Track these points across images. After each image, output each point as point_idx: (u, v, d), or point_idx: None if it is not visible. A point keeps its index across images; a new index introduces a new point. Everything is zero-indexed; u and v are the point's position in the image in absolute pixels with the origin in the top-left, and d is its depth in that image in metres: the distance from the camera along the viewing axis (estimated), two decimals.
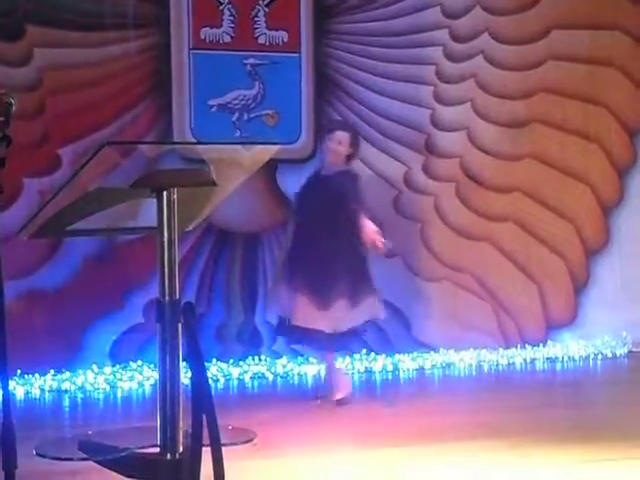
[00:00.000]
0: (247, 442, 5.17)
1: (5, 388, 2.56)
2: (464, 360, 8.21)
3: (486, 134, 8.47)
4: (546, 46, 8.52)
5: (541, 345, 8.47)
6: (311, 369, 7.83)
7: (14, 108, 2.70)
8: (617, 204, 8.68)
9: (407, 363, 8.08)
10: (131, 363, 7.58)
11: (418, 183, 8.38)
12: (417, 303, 8.31)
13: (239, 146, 4.25)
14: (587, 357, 8.41)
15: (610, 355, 8.43)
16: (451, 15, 8.36)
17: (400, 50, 8.27)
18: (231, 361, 7.79)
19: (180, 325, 3.36)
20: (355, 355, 8.04)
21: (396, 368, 8.02)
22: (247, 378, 7.68)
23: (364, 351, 8.09)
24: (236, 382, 7.61)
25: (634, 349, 8.48)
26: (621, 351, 8.48)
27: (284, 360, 7.91)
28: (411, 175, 8.35)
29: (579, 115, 8.56)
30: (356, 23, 8.22)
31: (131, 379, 7.43)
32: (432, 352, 8.23)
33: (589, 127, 8.57)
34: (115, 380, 7.42)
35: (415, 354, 8.18)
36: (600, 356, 8.41)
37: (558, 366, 8.25)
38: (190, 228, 3.86)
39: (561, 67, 8.55)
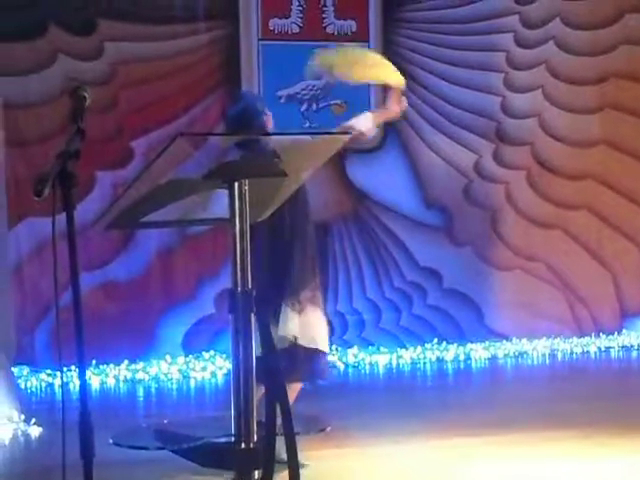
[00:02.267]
0: (321, 431, 5.17)
1: (82, 378, 2.60)
2: (537, 349, 8.14)
3: (557, 121, 8.38)
4: (619, 30, 8.40)
5: (616, 333, 8.36)
6: (382, 358, 7.82)
7: (88, 101, 2.73)
8: None
9: (479, 352, 8.03)
10: (203, 353, 7.64)
11: (489, 171, 8.32)
12: (489, 292, 8.26)
13: (308, 136, 4.24)
14: None
15: None
16: (521, 1, 8.28)
17: (470, 37, 8.22)
18: None
19: (252, 315, 3.38)
20: (426, 344, 8.02)
21: (468, 357, 7.98)
22: None
23: (435, 340, 8.07)
24: None
25: None
26: None
27: (355, 350, 7.91)
28: (482, 163, 8.30)
29: None
30: (425, 11, 8.18)
31: (204, 369, 7.49)
32: (505, 341, 8.18)
33: None
34: (188, 370, 7.49)
35: (487, 343, 8.13)
36: None
37: (634, 354, 8.14)
38: (261, 219, 3.87)
39: (634, 52, 8.42)
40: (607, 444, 5.25)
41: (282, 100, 7.86)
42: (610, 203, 8.46)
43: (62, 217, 2.51)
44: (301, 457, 3.31)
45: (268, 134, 4.91)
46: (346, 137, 4.06)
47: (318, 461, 4.81)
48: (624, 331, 8.40)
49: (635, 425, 5.62)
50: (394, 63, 8.03)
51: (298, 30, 7.96)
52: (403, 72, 8.09)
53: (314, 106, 7.94)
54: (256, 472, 3.32)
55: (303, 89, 7.91)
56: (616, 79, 8.42)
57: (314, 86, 7.91)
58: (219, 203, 3.53)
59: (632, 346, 8.27)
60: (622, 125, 8.44)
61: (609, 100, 8.43)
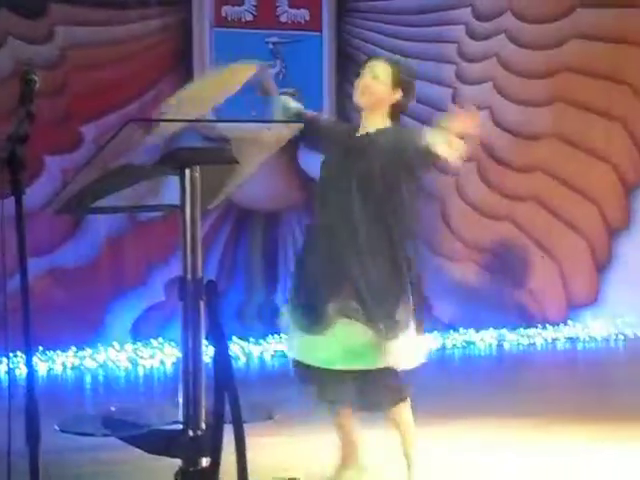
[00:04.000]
0: (268, 419, 5.17)
1: (29, 365, 2.58)
2: (484, 339, 8.21)
3: (508, 113, 8.43)
4: (570, 24, 8.47)
5: (562, 325, 8.45)
6: None
7: (37, 85, 2.70)
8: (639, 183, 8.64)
9: (429, 342, 8.06)
10: (152, 341, 7.61)
11: (439, 162, 8.33)
12: (437, 283, 8.30)
13: (261, 124, 4.24)
14: (608, 337, 8.38)
15: (632, 335, 8.40)
16: None
17: (422, 28, 8.25)
18: (252, 339, 7.82)
19: (202, 303, 3.37)
20: None
21: None
22: (268, 356, 7.70)
23: None
24: (257, 360, 7.64)
25: None
26: None
27: None
28: None
29: (602, 94, 8.50)
30: (378, 1, 8.19)
31: (152, 357, 7.47)
32: (452, 331, 8.23)
33: (612, 106, 8.52)
34: (137, 357, 7.46)
35: (435, 333, 8.18)
36: (622, 336, 8.38)
37: (579, 346, 8.23)
38: (212, 206, 3.87)
39: (585, 46, 8.49)
40: (554, 432, 5.31)
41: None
42: (558, 195, 8.54)
43: (9, 201, 2.49)
44: (249, 445, 3.31)
45: (219, 121, 4.87)
46: (296, 126, 4.12)
47: (266, 449, 4.82)
48: (570, 322, 8.49)
49: (579, 415, 5.69)
50: (347, 53, 8.13)
51: (252, 18, 7.93)
52: (356, 62, 8.18)
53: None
54: (203, 460, 3.33)
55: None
56: (566, 73, 8.49)
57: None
58: (171, 190, 3.52)
59: (577, 338, 8.37)
60: (572, 119, 8.51)
61: (559, 94, 8.50)
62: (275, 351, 7.74)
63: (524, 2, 8.43)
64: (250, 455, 3.29)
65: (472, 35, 8.35)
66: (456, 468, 4.75)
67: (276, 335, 7.91)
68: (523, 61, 8.43)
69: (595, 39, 8.47)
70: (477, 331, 8.25)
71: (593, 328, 8.44)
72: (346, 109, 8.14)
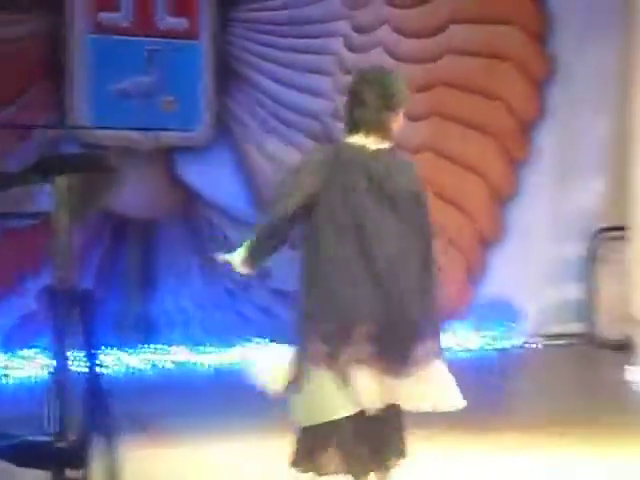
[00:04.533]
0: (142, 430, 5.13)
1: None
2: None
3: None
4: (445, 40, 8.62)
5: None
6: (209, 357, 7.81)
7: None
8: (512, 196, 8.82)
9: None
10: (25, 350, 7.45)
11: None
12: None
13: (137, 132, 4.20)
14: (481, 347, 8.53)
15: (503, 345, 8.56)
16: (352, 6, 8.40)
17: (301, 40, 8.29)
18: (128, 349, 7.72)
19: (75, 312, 3.32)
20: (251, 343, 8.04)
21: None
22: (143, 366, 7.61)
23: (259, 339, 8.10)
24: (132, 370, 7.55)
25: (525, 340, 8.62)
26: (513, 342, 8.61)
27: (181, 348, 7.86)
28: None
29: (476, 109, 8.66)
30: (258, 12, 8.20)
31: (24, 367, 7.31)
32: None
33: (486, 121, 8.69)
34: (8, 368, 7.29)
35: None
36: (493, 346, 8.54)
37: (451, 356, 8.35)
38: (87, 214, 3.81)
39: (459, 61, 8.64)
40: (435, 441, 5.37)
41: (112, 95, 7.73)
42: (434, 208, 8.61)
43: None
44: (120, 456, 3.27)
45: (94, 128, 4.81)
46: (173, 134, 4.08)
47: (139, 461, 4.76)
48: (443, 332, 8.58)
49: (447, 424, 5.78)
50: (227, 63, 8.12)
51: (129, 25, 7.85)
52: (235, 72, 8.19)
53: (144, 102, 7.85)
54: (73, 471, 3.27)
55: (132, 84, 7.81)
56: (442, 87, 8.64)
57: (145, 82, 7.83)
58: (45, 197, 3.46)
59: (449, 348, 8.44)
60: (447, 132, 8.66)
61: (435, 108, 8.63)
62: (150, 361, 7.67)
63: (401, 16, 8.54)
64: (122, 467, 3.25)
65: (351, 47, 8.42)
66: None
67: (152, 345, 7.84)
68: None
69: (469, 54, 8.63)
70: None
71: (465, 338, 8.58)
72: (224, 119, 8.15)
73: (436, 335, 3.99)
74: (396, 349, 3.82)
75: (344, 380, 3.80)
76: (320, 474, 3.90)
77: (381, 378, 3.80)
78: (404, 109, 4.09)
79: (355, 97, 4.08)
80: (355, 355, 3.79)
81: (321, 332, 3.84)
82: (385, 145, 4.01)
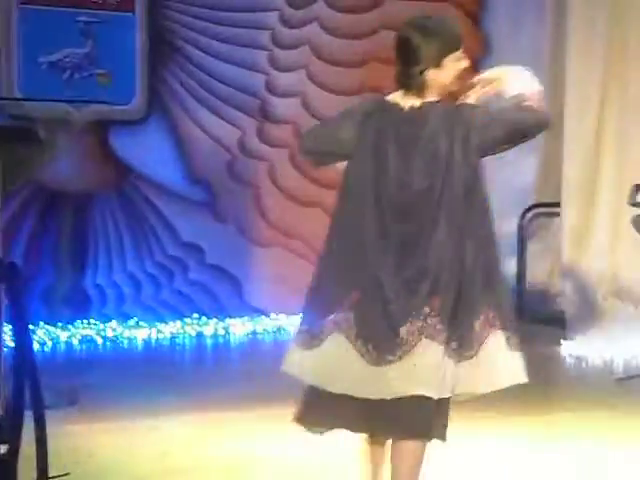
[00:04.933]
0: (71, 405, 5.10)
1: None
2: (295, 325, 8.27)
3: (320, 101, 8.53)
4: (380, 15, 8.62)
5: None
6: (141, 332, 7.78)
7: None
8: None
9: (239, 327, 8.11)
10: None
11: (252, 148, 8.39)
12: (250, 268, 8.35)
13: (69, 105, 4.15)
14: None
15: None
16: None
17: (236, 13, 8.24)
18: (59, 324, 7.66)
19: (2, 286, 3.29)
20: (185, 319, 8.02)
21: (227, 332, 8.04)
22: (75, 341, 7.56)
23: (195, 315, 8.08)
24: (64, 345, 7.49)
25: None
26: None
27: (114, 324, 7.82)
28: (245, 140, 8.36)
29: None
30: None
31: None
32: (264, 316, 8.29)
33: None
34: None
35: (247, 318, 8.22)
36: None
37: None
38: (14, 187, 3.77)
39: (394, 37, 8.63)
40: None
41: (43, 67, 7.64)
42: None
43: None
44: (50, 432, 3.26)
45: (24, 100, 4.73)
46: (106, 107, 4.02)
47: (68, 437, 4.74)
48: None
49: None
50: (161, 36, 8.05)
51: None
52: (170, 45, 8.12)
53: (77, 75, 7.76)
54: (2, 447, 3.25)
55: (66, 56, 7.71)
56: (376, 63, 8.65)
57: (77, 54, 7.73)
58: None
59: None
60: None
61: (370, 83, 8.64)
62: (82, 336, 7.62)
63: None
64: (52, 442, 3.24)
65: (285, 22, 8.40)
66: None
67: (84, 320, 7.79)
68: (335, 50, 8.54)
69: None
70: (288, 316, 8.33)
71: None
72: (158, 93, 8.09)
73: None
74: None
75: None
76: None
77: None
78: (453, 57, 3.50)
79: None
80: None
81: None
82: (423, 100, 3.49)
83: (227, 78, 8.24)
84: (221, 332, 8.03)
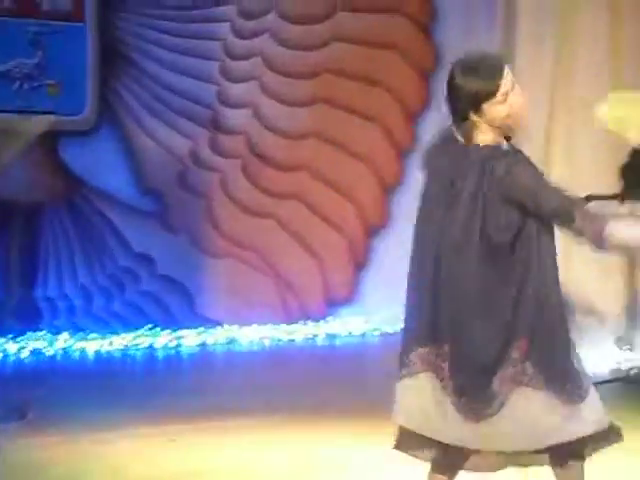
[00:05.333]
0: (21, 419, 5.04)
1: None
2: (247, 336, 8.28)
3: (272, 112, 8.54)
4: (331, 27, 8.65)
5: (322, 321, 8.63)
6: (93, 344, 7.72)
7: None
8: (397, 184, 8.91)
9: (191, 339, 8.08)
10: None
11: (204, 159, 8.38)
12: (202, 279, 8.32)
13: (18, 115, 4.13)
14: (366, 333, 8.61)
15: (388, 331, 8.66)
16: None
17: (188, 24, 8.24)
18: (9, 337, 7.58)
19: None
20: (137, 331, 7.97)
21: (179, 344, 8.00)
22: (26, 354, 7.49)
23: (147, 326, 8.04)
24: (13, 358, 7.41)
25: None
26: (398, 327, 8.69)
27: (65, 336, 7.75)
28: (197, 151, 8.34)
29: (362, 97, 8.72)
30: None
31: None
32: (216, 327, 8.26)
33: (371, 109, 8.75)
34: None
35: (199, 329, 8.19)
36: (378, 332, 8.63)
37: (337, 342, 8.43)
38: None
39: (345, 49, 8.69)
40: (311, 431, 5.42)
41: None
42: (320, 194, 8.71)
43: None
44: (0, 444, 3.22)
45: None
46: (55, 118, 3.98)
47: (20, 451, 4.69)
48: (329, 319, 8.67)
49: (335, 409, 5.83)
50: (112, 46, 8.02)
51: (10, 5, 7.68)
52: (121, 55, 8.09)
53: (26, 85, 7.70)
54: None
55: (15, 67, 7.65)
56: (328, 74, 8.67)
57: (26, 64, 7.68)
58: None
59: (336, 334, 8.56)
60: (333, 119, 8.69)
61: (321, 94, 8.67)
62: (33, 349, 7.54)
63: (289, 3, 8.55)
64: (3, 456, 3.20)
65: (237, 33, 8.40)
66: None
67: (34, 332, 7.71)
68: (287, 61, 8.56)
69: (356, 42, 8.68)
70: (240, 327, 8.31)
71: (350, 324, 8.66)
72: (109, 103, 8.05)
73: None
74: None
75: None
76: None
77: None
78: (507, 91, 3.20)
79: None
80: None
81: None
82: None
83: (179, 89, 8.22)
84: (173, 344, 7.99)
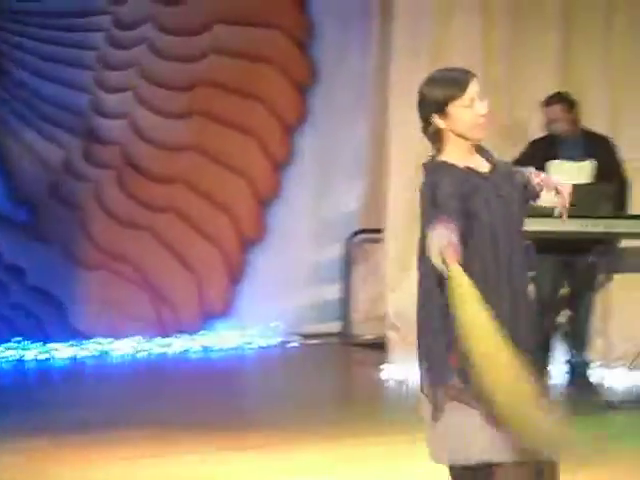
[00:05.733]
0: None
1: None
2: (121, 349, 8.19)
3: (148, 123, 8.48)
4: (209, 39, 8.64)
5: (196, 334, 8.59)
6: None
7: None
8: (274, 198, 8.94)
9: (62, 351, 7.95)
10: None
11: (78, 169, 8.27)
12: (74, 291, 8.21)
13: None
14: (240, 346, 8.61)
15: (262, 344, 8.68)
16: (115, 1, 8.31)
17: (62, 33, 8.13)
18: None
19: None
20: (7, 343, 7.82)
21: (51, 356, 7.87)
22: None
23: (17, 338, 7.89)
24: None
25: (284, 339, 8.76)
26: (272, 341, 8.73)
27: None
28: (71, 161, 8.23)
29: (239, 110, 8.72)
30: (18, 2, 7.99)
31: None
32: (88, 340, 8.15)
33: (248, 122, 8.75)
34: None
35: (71, 342, 8.07)
36: (253, 345, 8.63)
37: (212, 355, 8.41)
38: None
39: (223, 62, 8.68)
40: (180, 442, 5.39)
41: None
42: (196, 207, 8.67)
43: None
44: None
45: None
46: None
47: None
48: (204, 332, 8.64)
49: (208, 421, 5.82)
50: None
51: None
52: None
53: None
54: None
55: None
56: (205, 87, 8.66)
57: None
58: None
59: (211, 346, 8.54)
60: (210, 132, 8.68)
61: (198, 107, 8.64)
62: None
63: (166, 14, 8.51)
64: None
65: (113, 43, 8.33)
66: None
67: None
68: (164, 72, 8.51)
69: (233, 55, 8.69)
70: (113, 340, 8.22)
71: (225, 337, 8.64)
72: None
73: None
74: None
75: None
76: None
77: None
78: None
79: None
80: None
81: None
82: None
83: (52, 98, 8.11)
84: (43, 356, 7.85)
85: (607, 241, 6.66)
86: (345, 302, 8.81)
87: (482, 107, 3.25)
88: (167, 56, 8.51)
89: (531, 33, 7.47)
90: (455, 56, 7.45)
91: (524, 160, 5.78)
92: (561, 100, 6.58)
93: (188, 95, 8.58)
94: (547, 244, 6.33)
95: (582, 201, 5.63)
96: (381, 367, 7.39)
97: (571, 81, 7.21)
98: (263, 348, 8.62)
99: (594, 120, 6.89)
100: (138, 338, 8.32)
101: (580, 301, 6.64)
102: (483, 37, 7.44)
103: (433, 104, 3.27)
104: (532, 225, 6.09)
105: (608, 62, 7.19)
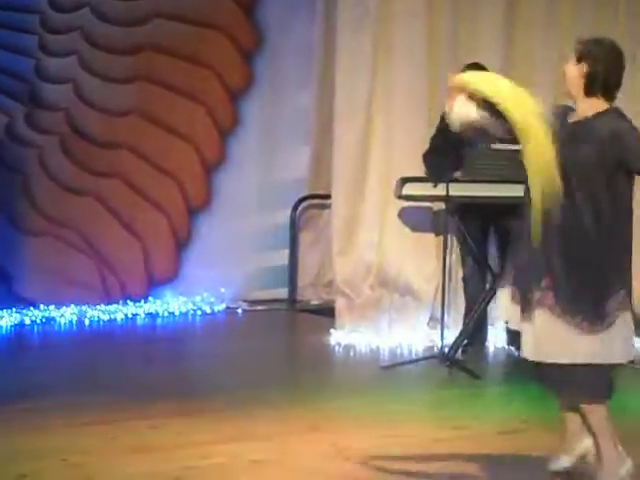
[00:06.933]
0: None
1: None
2: (65, 316, 8.14)
3: (92, 88, 8.39)
4: (154, 3, 8.55)
5: (142, 301, 8.55)
6: None
7: None
8: (219, 164, 8.90)
9: (6, 319, 7.88)
10: None
11: (21, 134, 8.17)
12: (18, 258, 8.13)
13: None
14: (187, 313, 8.60)
15: (209, 311, 8.67)
16: None
17: None
18: None
19: None
20: None
21: None
22: None
23: None
24: None
25: (231, 305, 8.77)
26: (219, 307, 8.73)
27: None
28: (14, 126, 8.13)
29: (184, 75, 8.65)
30: None
31: None
32: (32, 307, 8.09)
33: (194, 88, 8.69)
34: None
35: (14, 310, 8.00)
36: (199, 312, 8.63)
37: (158, 321, 8.39)
38: None
39: (168, 26, 8.60)
40: (128, 409, 5.38)
41: None
42: (142, 173, 8.61)
43: None
44: None
45: None
46: None
47: None
48: (150, 299, 8.61)
49: (154, 388, 5.82)
50: None
51: None
52: None
53: None
54: None
55: None
56: (150, 51, 8.57)
57: None
58: None
59: (157, 313, 8.51)
60: (155, 97, 8.60)
61: (143, 72, 8.55)
62: None
63: None
64: None
65: (55, 7, 8.21)
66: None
67: None
68: (107, 36, 8.42)
69: (178, 20, 8.61)
70: (58, 307, 8.16)
71: (172, 304, 8.62)
72: None
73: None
74: None
75: None
76: None
77: None
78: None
79: None
80: None
81: None
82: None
83: None
84: None
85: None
86: (292, 268, 8.83)
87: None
88: (111, 19, 8.41)
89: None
90: (397, 29, 7.46)
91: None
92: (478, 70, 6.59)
93: (132, 59, 8.50)
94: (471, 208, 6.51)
95: (506, 167, 5.77)
96: (329, 332, 7.43)
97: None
98: (209, 314, 8.62)
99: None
100: (83, 305, 8.28)
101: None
102: (426, 12, 7.45)
103: None
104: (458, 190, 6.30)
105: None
